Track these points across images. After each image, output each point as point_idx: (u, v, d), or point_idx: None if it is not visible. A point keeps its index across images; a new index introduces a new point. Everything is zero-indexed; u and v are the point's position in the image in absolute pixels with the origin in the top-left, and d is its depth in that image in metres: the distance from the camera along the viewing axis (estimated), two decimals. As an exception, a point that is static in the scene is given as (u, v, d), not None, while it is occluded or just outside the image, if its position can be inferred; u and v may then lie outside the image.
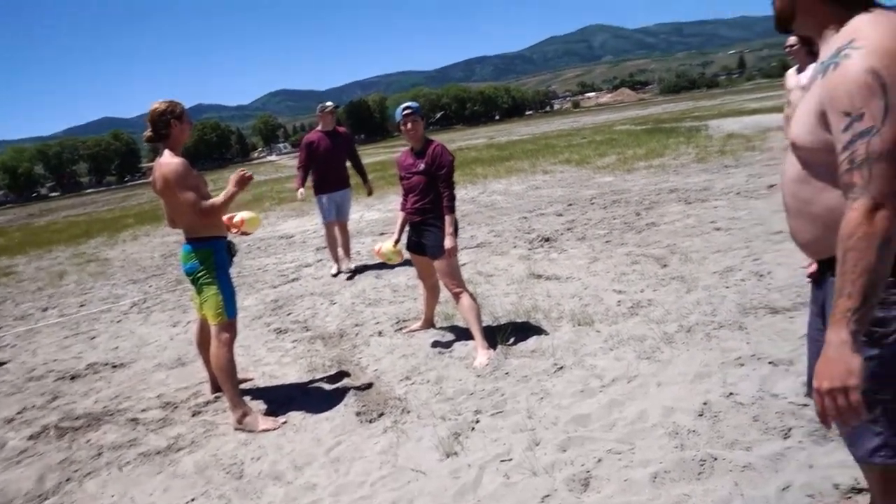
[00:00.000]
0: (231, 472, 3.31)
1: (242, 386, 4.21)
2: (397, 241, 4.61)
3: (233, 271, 3.97)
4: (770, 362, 3.43)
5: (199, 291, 3.83)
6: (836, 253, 1.43)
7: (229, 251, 3.93)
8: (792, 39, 5.81)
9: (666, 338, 4.03)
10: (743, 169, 10.74)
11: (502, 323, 4.79)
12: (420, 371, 4.20)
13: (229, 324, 3.81)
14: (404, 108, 4.37)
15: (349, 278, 7.15)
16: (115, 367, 5.35)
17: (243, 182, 3.72)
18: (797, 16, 1.60)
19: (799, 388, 3.04)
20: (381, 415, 3.66)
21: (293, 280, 7.59)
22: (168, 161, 3.65)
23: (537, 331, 4.55)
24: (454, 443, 3.17)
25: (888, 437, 1.57)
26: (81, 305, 8.08)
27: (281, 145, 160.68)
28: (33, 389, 5.05)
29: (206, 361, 4.18)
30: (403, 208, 4.55)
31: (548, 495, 2.63)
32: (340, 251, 7.56)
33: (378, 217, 11.60)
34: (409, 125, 4.34)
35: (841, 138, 1.40)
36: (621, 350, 3.97)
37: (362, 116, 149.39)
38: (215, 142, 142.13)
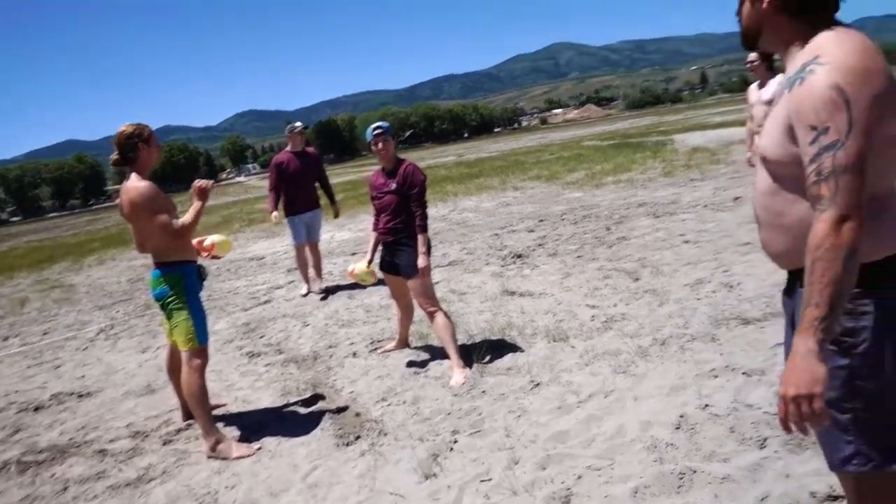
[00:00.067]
0: (205, 501, 3.23)
1: (215, 412, 4.11)
2: (370, 262, 4.58)
3: (203, 295, 3.90)
4: (743, 373, 3.47)
5: (169, 317, 3.75)
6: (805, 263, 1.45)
7: (199, 275, 3.86)
8: (752, 56, 5.97)
9: (640, 351, 4.05)
10: (709, 182, 10.94)
11: (477, 341, 4.78)
12: (396, 392, 4.16)
13: (200, 349, 3.74)
14: (375, 128, 4.37)
15: (322, 298, 7.08)
16: (81, 396, 5.20)
17: (204, 192, 3.68)
18: (763, 33, 1.63)
19: (772, 397, 3.08)
20: (357, 438, 3.61)
21: (265, 302, 7.50)
22: (135, 185, 3.59)
23: (512, 348, 4.54)
24: (433, 464, 3.13)
25: (859, 445, 1.59)
26: (45, 333, 7.87)
27: (249, 166, 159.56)
28: (-5, 422, 4.89)
29: (177, 388, 4.09)
30: (375, 228, 4.53)
31: (529, 515, 2.60)
32: (311, 271, 7.50)
33: (349, 237, 11.55)
34: (381, 145, 4.34)
35: (808, 151, 1.43)
36: (597, 365, 3.98)
37: (331, 136, 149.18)
38: (183, 163, 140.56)
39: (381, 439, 3.53)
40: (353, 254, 9.58)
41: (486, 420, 3.52)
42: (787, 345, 1.83)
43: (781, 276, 1.79)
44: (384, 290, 6.22)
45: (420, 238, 4.29)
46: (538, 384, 3.85)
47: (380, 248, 4.57)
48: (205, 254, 3.97)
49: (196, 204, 3.66)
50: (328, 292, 7.25)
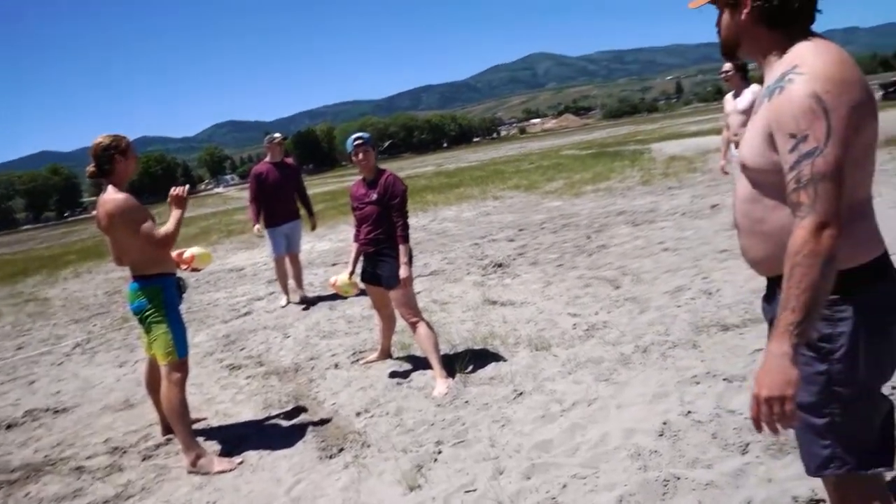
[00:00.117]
0: (185, 518, 3.18)
1: (195, 426, 4.05)
2: (352, 273, 4.57)
3: (182, 307, 3.85)
4: (724, 379, 3.50)
5: (148, 330, 3.70)
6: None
7: (179, 288, 3.82)
8: (727, 66, 6.07)
9: (622, 359, 4.07)
10: (686, 190, 11.07)
11: (460, 351, 4.77)
12: (379, 403, 4.14)
13: (180, 363, 3.69)
14: (355, 139, 4.37)
15: (304, 309, 7.04)
16: (56, 412, 5.10)
17: (181, 200, 3.65)
18: (742, 43, 1.66)
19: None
20: (340, 450, 3.57)
21: (245, 314, 7.43)
22: (112, 197, 3.54)
23: (495, 357, 4.54)
24: (417, 475, 3.11)
25: (836, 449, 1.62)
26: (19, 348, 7.71)
27: (228, 177, 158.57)
28: (-33, 441, 4.77)
29: (156, 402, 4.03)
30: (357, 239, 4.52)
31: (514, 525, 2.60)
32: (291, 282, 7.45)
33: (329, 247, 11.49)
34: (361, 155, 4.33)
35: (787, 159, 1.46)
36: (579, 373, 3.99)
37: (310, 146, 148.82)
38: (160, 175, 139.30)
39: (365, 451, 3.50)
40: (334, 264, 9.53)
41: (469, 430, 3.51)
42: None
43: (759, 282, 1.82)
44: (365, 301, 6.19)
45: (402, 248, 4.28)
46: (521, 393, 3.85)
47: (361, 258, 4.55)
48: (184, 266, 3.92)
49: (175, 212, 3.62)
50: (309, 303, 7.21)
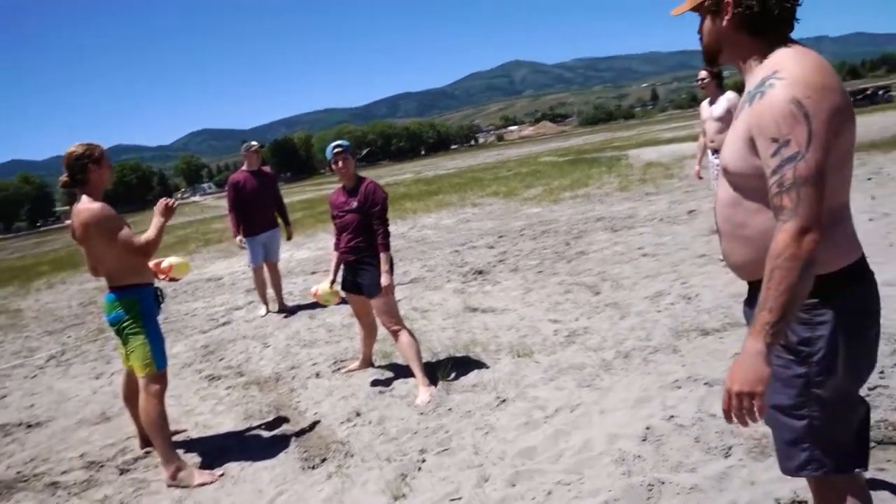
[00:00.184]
0: (165, 532, 3.12)
1: (174, 438, 3.98)
2: (333, 282, 4.53)
3: (159, 318, 3.79)
4: (706, 383, 3.53)
5: (125, 342, 3.63)
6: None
7: (157, 298, 3.76)
8: (702, 74, 6.16)
9: (604, 365, 4.09)
10: (664, 196, 11.19)
11: (441, 358, 4.76)
12: (361, 412, 4.10)
13: (159, 375, 3.63)
14: (335, 147, 4.35)
15: (285, 317, 6.98)
16: (30, 426, 4.98)
17: (168, 211, 3.60)
18: (723, 49, 1.68)
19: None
20: (323, 460, 3.54)
21: (224, 324, 7.34)
22: (87, 206, 3.48)
23: (477, 364, 4.53)
24: (401, 484, 3.09)
25: (814, 452, 1.65)
26: (-9, 362, 7.54)
27: (205, 185, 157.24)
28: (-63, 457, 4.64)
29: (134, 415, 3.95)
30: (337, 248, 4.49)
31: (500, 533, 2.58)
32: (270, 291, 7.39)
33: (308, 256, 11.42)
34: (341, 163, 4.31)
35: (770, 163, 1.47)
36: (562, 379, 4.00)
37: (288, 154, 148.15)
38: (135, 183, 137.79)
39: (348, 461, 3.47)
40: (313, 273, 9.47)
41: (453, 438, 3.49)
42: None
43: (738, 287, 1.83)
44: (346, 309, 6.16)
45: (383, 256, 4.26)
46: (504, 400, 3.85)
47: (342, 267, 4.52)
48: (162, 276, 3.86)
49: (158, 220, 3.56)
50: (288, 312, 7.15)
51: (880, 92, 43.74)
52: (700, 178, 7.00)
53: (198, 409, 4.72)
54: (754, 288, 1.71)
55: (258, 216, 7.11)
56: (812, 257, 1.43)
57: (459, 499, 2.88)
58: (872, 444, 2.49)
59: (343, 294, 4.61)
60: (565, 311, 5.43)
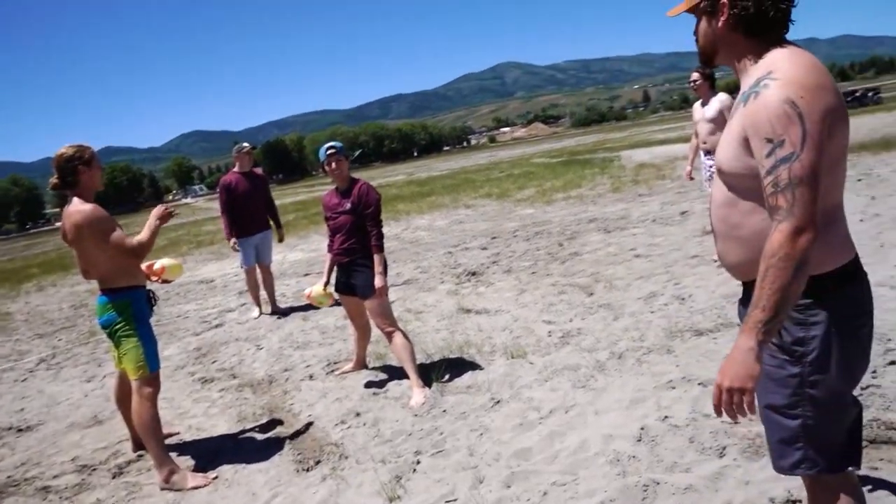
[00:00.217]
0: (158, 536, 3.10)
1: (167, 441, 3.96)
2: (326, 284, 4.52)
3: (151, 320, 3.77)
4: (700, 383, 3.53)
5: (118, 344, 3.61)
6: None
7: (150, 301, 3.74)
8: (694, 76, 6.18)
9: (599, 366, 4.09)
10: (656, 197, 11.22)
11: (436, 360, 4.75)
12: (355, 414, 4.09)
13: (152, 377, 3.61)
14: (328, 148, 4.34)
15: (278, 319, 6.96)
16: (20, 430, 4.94)
17: (166, 217, 3.60)
18: (720, 50, 1.69)
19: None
20: (318, 462, 3.53)
21: (216, 326, 7.31)
22: (79, 209, 3.45)
23: (471, 366, 4.53)
24: (396, 486, 3.08)
25: (807, 451, 1.66)
26: (-19, 365, 7.48)
27: (196, 187, 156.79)
28: (-73, 462, 4.60)
29: (127, 417, 3.93)
30: (330, 249, 4.48)
31: (496, 534, 2.58)
32: (263, 293, 7.36)
33: (301, 257, 11.40)
34: (334, 164, 4.30)
35: (765, 163, 1.48)
36: (556, 380, 4.00)
37: (280, 156, 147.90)
38: (126, 185, 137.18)
39: (343, 463, 3.46)
40: (306, 275, 9.45)
41: (448, 439, 3.49)
42: None
43: (730, 287, 1.84)
44: (339, 311, 6.15)
45: (377, 258, 4.26)
46: (499, 401, 3.85)
47: (335, 269, 4.51)
48: (155, 278, 3.84)
49: (153, 223, 3.55)
50: (281, 314, 7.13)
51: (869, 94, 44.04)
52: (691, 178, 7.02)
53: (191, 412, 4.70)
54: (749, 288, 1.72)
55: (250, 218, 7.08)
56: (806, 257, 1.44)
57: (455, 500, 2.87)
58: (865, 444, 2.51)
59: (337, 296, 4.59)
60: (559, 313, 5.43)
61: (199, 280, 10.92)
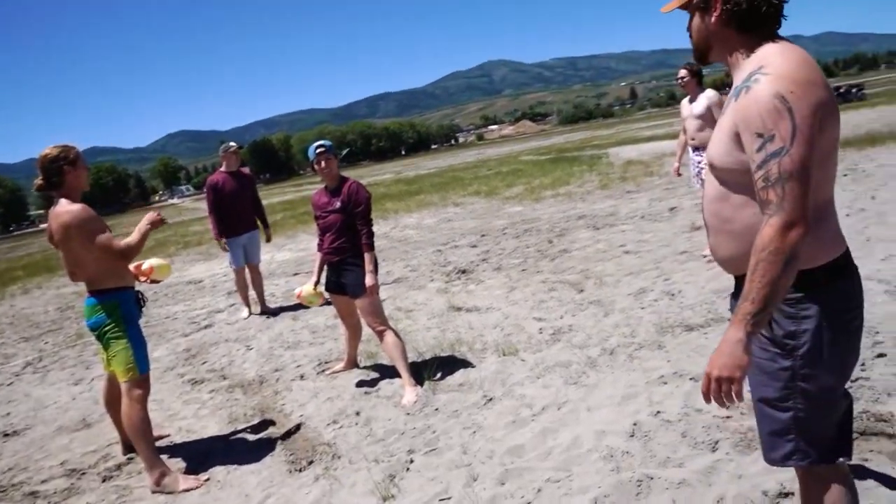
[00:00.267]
0: (150, 539, 3.07)
1: (158, 444, 3.93)
2: (317, 283, 4.50)
3: (140, 321, 3.74)
4: (691, 378, 3.55)
5: (107, 346, 3.57)
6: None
7: (138, 302, 3.71)
8: (682, 72, 6.21)
9: (590, 362, 4.10)
10: (644, 194, 11.27)
11: (427, 358, 4.74)
12: (347, 413, 4.08)
13: (142, 379, 3.57)
14: (318, 147, 4.31)
15: (268, 318, 6.93)
16: (7, 435, 4.88)
17: (157, 223, 3.59)
18: (713, 46, 1.69)
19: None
20: (310, 463, 3.51)
21: (206, 327, 7.26)
22: (66, 209, 3.41)
23: (463, 364, 4.53)
24: (390, 485, 3.08)
25: (798, 443, 1.67)
26: (-34, 369, 7.39)
27: (183, 188, 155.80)
28: (-87, 468, 4.54)
29: (116, 420, 3.90)
30: (320, 248, 4.46)
31: (490, 532, 2.58)
32: (252, 293, 7.33)
33: (290, 257, 11.35)
34: (324, 163, 4.28)
35: (755, 158, 1.49)
36: (548, 377, 4.01)
37: (267, 156, 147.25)
38: (111, 186, 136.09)
39: (335, 463, 3.44)
40: (295, 274, 9.41)
41: (441, 438, 3.48)
42: None
43: (720, 283, 1.85)
44: (329, 311, 6.13)
45: (367, 256, 4.24)
46: (491, 399, 3.85)
47: (325, 268, 4.49)
48: (143, 278, 3.80)
49: (144, 227, 3.53)
50: (271, 314, 7.09)
51: (853, 90, 44.39)
52: (679, 174, 7.06)
53: (181, 414, 4.66)
54: (741, 282, 1.73)
55: (238, 217, 7.04)
56: (796, 251, 1.45)
57: (449, 498, 2.87)
58: (855, 435, 2.53)
59: (327, 295, 4.58)
60: (550, 309, 5.44)
61: (188, 281, 10.84)
